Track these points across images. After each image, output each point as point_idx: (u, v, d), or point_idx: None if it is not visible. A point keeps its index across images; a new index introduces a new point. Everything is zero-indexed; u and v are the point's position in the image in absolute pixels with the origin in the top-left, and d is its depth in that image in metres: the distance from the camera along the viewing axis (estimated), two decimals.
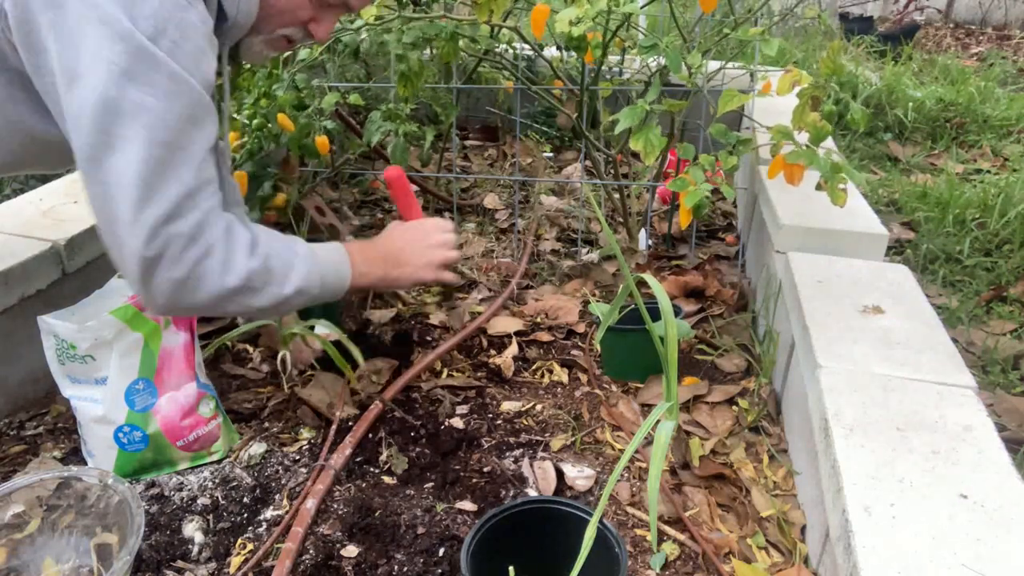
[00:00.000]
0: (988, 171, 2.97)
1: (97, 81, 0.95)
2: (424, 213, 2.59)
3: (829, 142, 2.07)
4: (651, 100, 1.66)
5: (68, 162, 1.20)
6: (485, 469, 1.38)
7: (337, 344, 1.55)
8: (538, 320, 1.90)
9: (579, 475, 1.37)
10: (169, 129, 0.99)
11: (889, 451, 1.06)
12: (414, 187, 2.69)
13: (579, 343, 1.82)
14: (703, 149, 2.02)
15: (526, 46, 2.24)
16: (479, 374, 1.70)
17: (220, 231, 1.05)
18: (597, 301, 1.97)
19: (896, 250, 2.33)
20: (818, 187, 1.59)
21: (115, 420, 1.30)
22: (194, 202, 1.02)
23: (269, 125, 1.92)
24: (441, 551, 1.21)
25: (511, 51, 2.36)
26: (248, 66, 1.91)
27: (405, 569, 1.18)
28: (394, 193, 1.46)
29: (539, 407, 1.58)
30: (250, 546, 1.23)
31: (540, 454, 1.44)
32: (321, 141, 2.02)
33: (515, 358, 1.75)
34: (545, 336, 1.83)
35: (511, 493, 1.33)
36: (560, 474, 1.38)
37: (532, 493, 1.34)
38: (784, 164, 1.59)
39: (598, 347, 1.75)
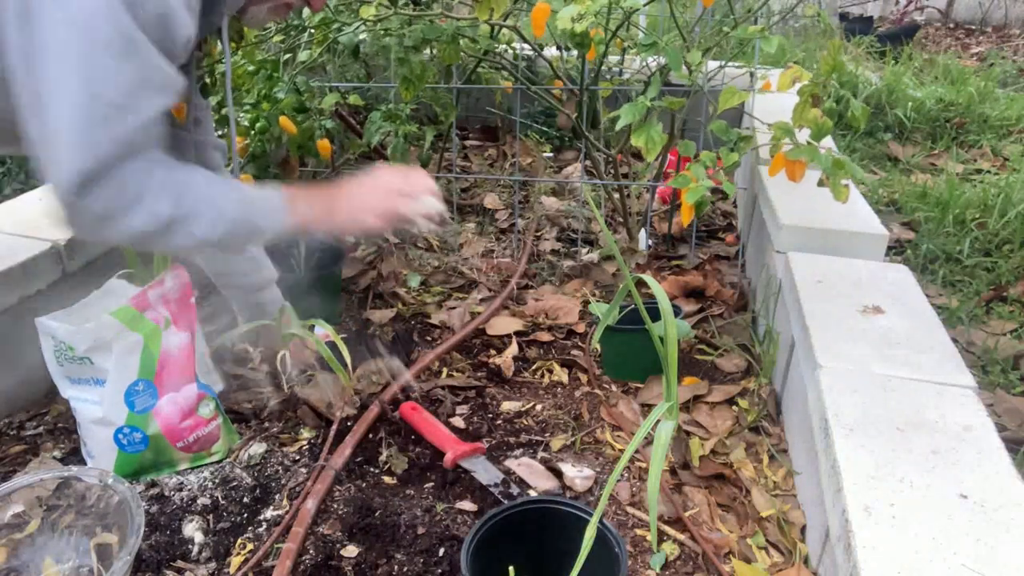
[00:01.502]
0: (988, 171, 2.97)
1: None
2: None
3: (829, 142, 2.06)
4: (652, 97, 1.66)
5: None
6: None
7: (333, 346, 1.55)
8: (538, 320, 1.90)
9: (579, 475, 1.37)
10: (119, 88, 0.99)
11: (889, 451, 1.06)
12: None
13: (579, 343, 1.82)
14: (704, 148, 2.02)
15: (526, 46, 2.23)
16: (479, 374, 1.70)
17: (155, 180, 1.07)
18: (597, 301, 1.97)
19: (896, 250, 2.33)
20: (820, 183, 1.59)
21: (115, 421, 1.30)
22: (133, 151, 1.03)
23: (271, 128, 1.92)
24: (441, 551, 1.21)
25: (511, 51, 2.36)
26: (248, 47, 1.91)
27: (405, 569, 1.18)
28: (413, 425, 1.49)
29: (539, 407, 1.58)
30: (250, 546, 1.23)
31: (540, 454, 1.44)
32: (323, 144, 2.02)
33: (515, 358, 1.75)
34: (545, 336, 1.83)
35: (514, 492, 1.33)
36: (558, 474, 1.38)
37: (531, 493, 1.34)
38: (785, 161, 1.59)
39: (597, 347, 1.75)
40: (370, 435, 1.47)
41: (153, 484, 1.34)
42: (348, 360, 1.50)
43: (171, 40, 1.04)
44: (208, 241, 1.14)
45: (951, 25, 6.42)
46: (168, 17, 1.02)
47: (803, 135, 1.63)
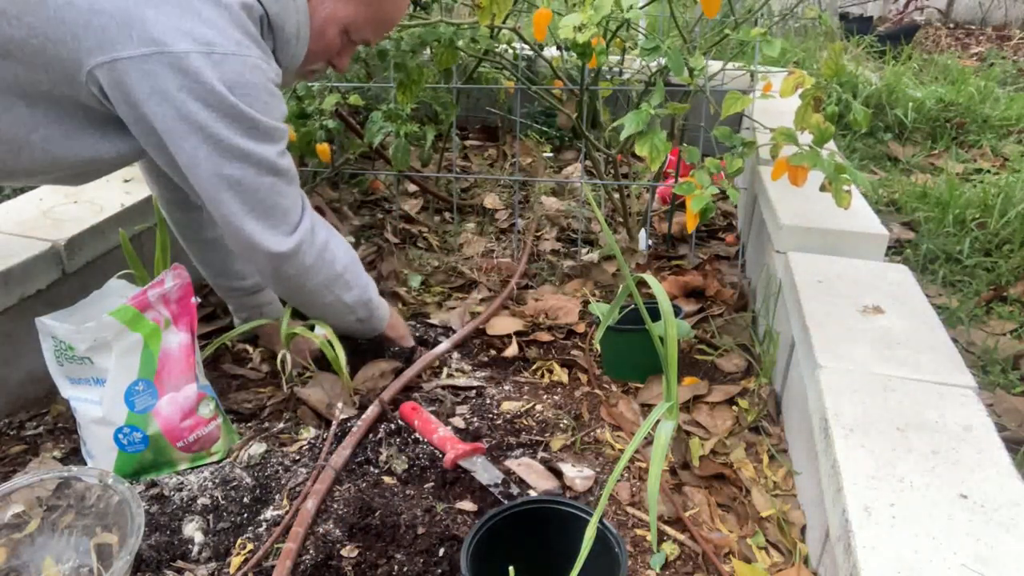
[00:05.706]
0: (988, 171, 2.97)
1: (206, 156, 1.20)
2: (424, 214, 2.59)
3: (829, 142, 2.07)
4: (655, 104, 1.66)
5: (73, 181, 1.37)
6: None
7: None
8: (538, 320, 1.90)
9: (579, 475, 1.37)
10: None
11: (889, 451, 1.06)
12: (414, 187, 2.69)
13: (579, 343, 1.82)
14: (704, 150, 2.02)
15: (526, 46, 2.24)
16: (479, 374, 1.70)
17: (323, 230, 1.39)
18: (597, 301, 1.97)
19: (896, 250, 2.33)
20: (822, 188, 1.59)
21: (115, 421, 1.30)
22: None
23: None
24: (441, 551, 1.21)
25: (511, 51, 2.36)
26: None
27: (405, 569, 1.18)
28: (413, 425, 1.50)
29: (539, 407, 1.58)
30: (250, 546, 1.23)
31: (540, 454, 1.44)
32: (322, 148, 2.02)
33: (515, 358, 1.75)
34: (545, 336, 1.83)
35: (514, 492, 1.33)
36: (558, 474, 1.38)
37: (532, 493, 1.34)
38: (788, 166, 1.59)
39: (597, 347, 1.75)
40: (370, 435, 1.47)
41: (153, 484, 1.34)
42: (343, 360, 1.50)
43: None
44: (364, 303, 1.51)
45: (951, 25, 6.43)
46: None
47: (804, 138, 1.63)
